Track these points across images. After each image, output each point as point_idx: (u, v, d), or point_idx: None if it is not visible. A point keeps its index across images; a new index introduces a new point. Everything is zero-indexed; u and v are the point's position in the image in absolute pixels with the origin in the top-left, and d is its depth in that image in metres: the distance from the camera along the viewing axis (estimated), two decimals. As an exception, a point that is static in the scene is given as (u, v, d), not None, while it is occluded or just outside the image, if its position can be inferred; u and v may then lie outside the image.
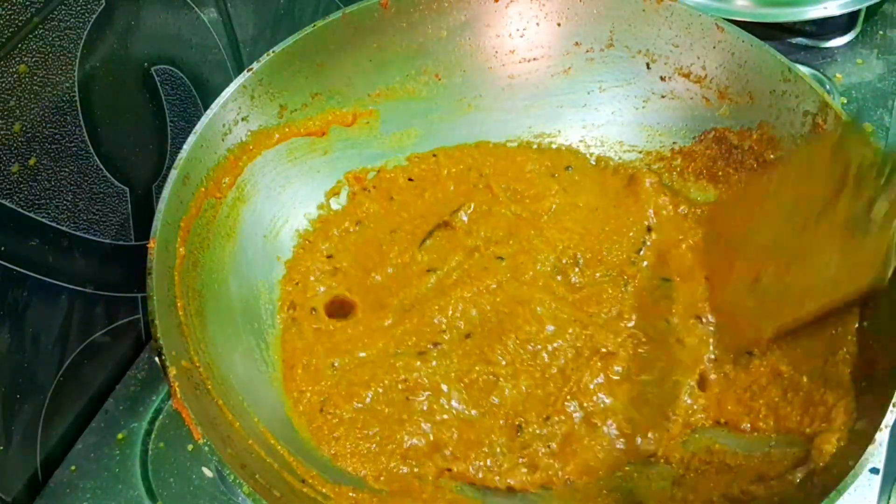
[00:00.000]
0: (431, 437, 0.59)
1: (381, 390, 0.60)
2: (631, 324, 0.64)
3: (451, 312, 0.64)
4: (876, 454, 0.46)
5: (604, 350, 0.62)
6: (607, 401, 0.60)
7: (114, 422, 0.64)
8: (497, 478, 0.57)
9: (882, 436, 0.46)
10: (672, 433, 0.58)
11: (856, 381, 0.52)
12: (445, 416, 0.60)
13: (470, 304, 0.65)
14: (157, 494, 0.60)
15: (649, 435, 0.58)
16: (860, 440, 0.47)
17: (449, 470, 0.58)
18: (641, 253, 0.68)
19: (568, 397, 0.60)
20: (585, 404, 0.60)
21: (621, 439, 0.59)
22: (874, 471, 0.58)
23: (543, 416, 0.59)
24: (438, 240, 0.69)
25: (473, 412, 0.60)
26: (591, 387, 0.60)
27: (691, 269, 0.66)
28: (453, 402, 0.60)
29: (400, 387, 0.60)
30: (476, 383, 0.61)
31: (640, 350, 0.62)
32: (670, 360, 0.62)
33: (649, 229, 0.69)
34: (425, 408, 0.60)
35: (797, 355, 0.58)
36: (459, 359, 0.62)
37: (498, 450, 0.58)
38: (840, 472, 0.46)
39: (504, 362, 0.62)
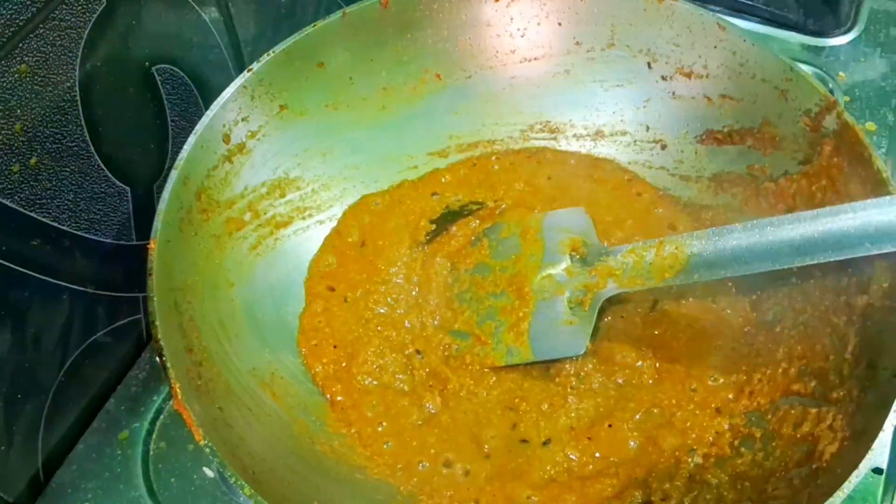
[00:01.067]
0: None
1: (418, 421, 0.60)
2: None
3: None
4: (879, 454, 0.45)
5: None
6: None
7: (115, 422, 0.64)
8: None
9: (884, 436, 0.46)
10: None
11: (856, 381, 0.52)
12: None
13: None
14: (158, 495, 0.60)
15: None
16: (862, 440, 0.47)
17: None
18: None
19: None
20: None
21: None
22: (878, 471, 0.58)
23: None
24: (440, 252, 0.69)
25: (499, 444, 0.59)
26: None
27: None
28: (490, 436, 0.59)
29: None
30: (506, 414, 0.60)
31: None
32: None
33: None
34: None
35: (797, 355, 0.58)
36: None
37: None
38: (843, 472, 0.46)
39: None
